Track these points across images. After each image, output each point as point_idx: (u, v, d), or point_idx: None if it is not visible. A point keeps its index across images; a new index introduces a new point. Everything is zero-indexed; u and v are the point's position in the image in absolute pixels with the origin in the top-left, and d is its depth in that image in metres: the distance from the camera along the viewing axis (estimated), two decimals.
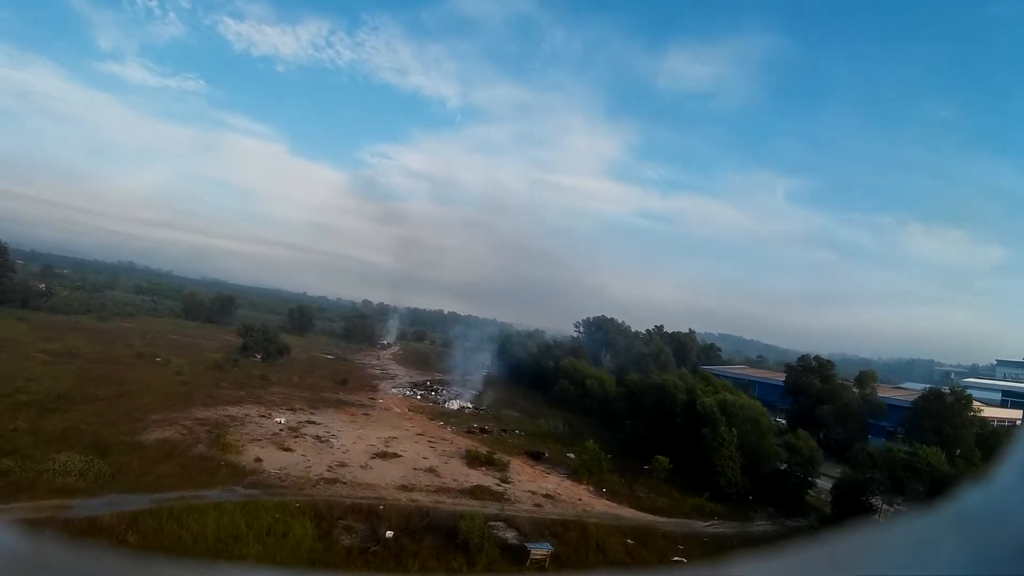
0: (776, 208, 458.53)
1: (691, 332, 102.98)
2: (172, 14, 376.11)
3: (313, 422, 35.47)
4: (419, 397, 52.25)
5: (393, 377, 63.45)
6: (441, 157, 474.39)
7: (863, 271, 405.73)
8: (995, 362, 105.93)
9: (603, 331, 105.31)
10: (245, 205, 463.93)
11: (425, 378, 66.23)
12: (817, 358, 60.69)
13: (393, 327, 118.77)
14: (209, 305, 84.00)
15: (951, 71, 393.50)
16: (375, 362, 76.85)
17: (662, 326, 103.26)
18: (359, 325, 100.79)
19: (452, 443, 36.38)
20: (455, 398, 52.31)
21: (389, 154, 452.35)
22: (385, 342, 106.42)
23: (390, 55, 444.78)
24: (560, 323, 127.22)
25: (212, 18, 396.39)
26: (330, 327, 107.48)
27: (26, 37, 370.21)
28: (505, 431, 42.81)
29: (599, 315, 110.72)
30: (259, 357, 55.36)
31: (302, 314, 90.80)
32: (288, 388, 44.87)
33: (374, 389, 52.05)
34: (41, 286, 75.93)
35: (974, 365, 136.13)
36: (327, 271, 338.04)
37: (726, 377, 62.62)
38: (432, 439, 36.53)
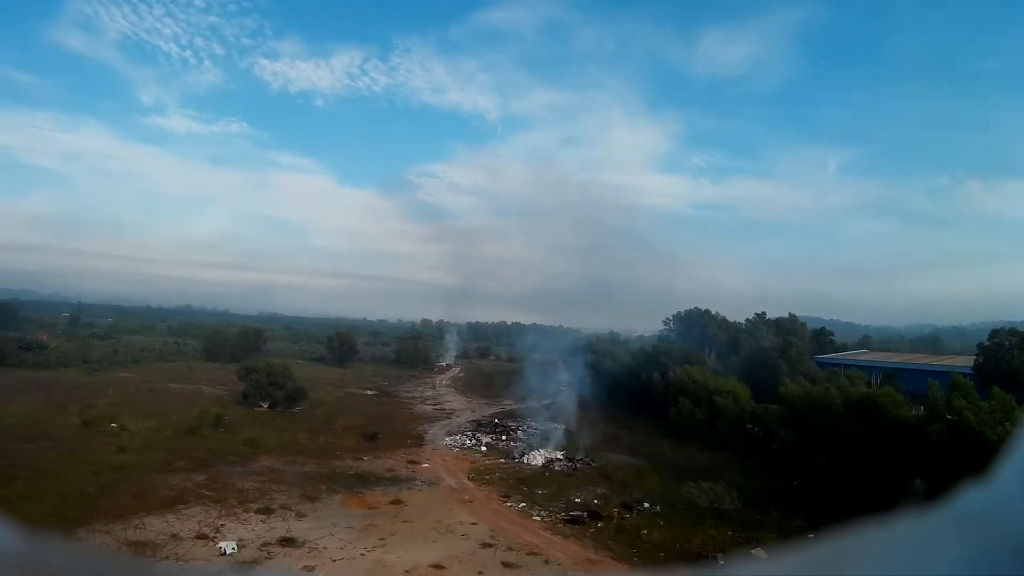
0: (829, 182, 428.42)
1: (793, 317, 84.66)
2: (207, 62, 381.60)
3: (291, 540, 19.44)
4: (484, 448, 35.83)
5: (449, 415, 47.40)
6: (487, 169, 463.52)
7: (928, 236, 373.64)
8: None
9: (699, 326, 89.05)
10: (299, 239, 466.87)
11: (492, 410, 50.10)
12: (1014, 330, 41.66)
13: (452, 344, 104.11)
14: (233, 342, 70.66)
15: (989, 18, 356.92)
16: (428, 392, 61.34)
17: (764, 312, 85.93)
18: (410, 347, 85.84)
19: (547, 558, 19.72)
20: (536, 446, 35.55)
21: (436, 173, 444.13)
22: (443, 363, 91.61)
23: (425, 75, 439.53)
24: (632, 322, 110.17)
25: (247, 61, 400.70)
26: (381, 352, 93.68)
27: (72, 102, 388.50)
28: (629, 508, 25.64)
29: (691, 307, 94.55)
30: (265, 406, 40.55)
31: (342, 342, 76.35)
32: (283, 458, 29.37)
33: (418, 443, 35.88)
34: (43, 337, 65.23)
35: None
36: (385, 295, 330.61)
37: (865, 368, 47.24)
38: (510, 552, 19.95)
